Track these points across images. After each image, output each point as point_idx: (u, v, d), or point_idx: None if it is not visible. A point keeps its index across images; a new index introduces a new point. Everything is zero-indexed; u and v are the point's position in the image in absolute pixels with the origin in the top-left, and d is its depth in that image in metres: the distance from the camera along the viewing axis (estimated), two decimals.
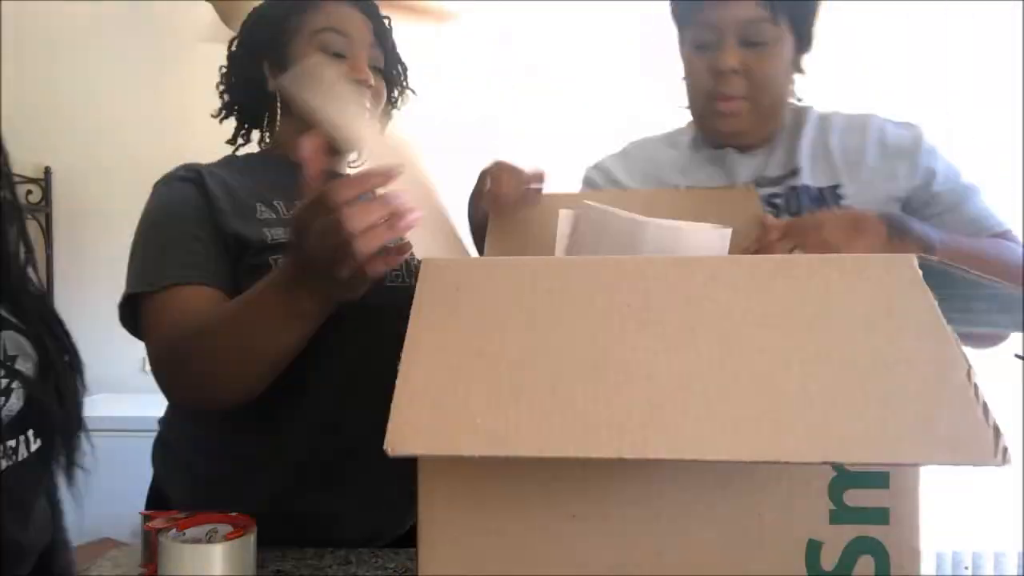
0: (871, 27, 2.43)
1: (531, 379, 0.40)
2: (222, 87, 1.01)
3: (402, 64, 1.03)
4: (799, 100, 1.00)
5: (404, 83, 1.04)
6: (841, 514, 0.44)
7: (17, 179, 3.01)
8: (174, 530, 0.68)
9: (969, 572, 2.18)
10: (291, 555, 0.87)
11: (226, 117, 1.02)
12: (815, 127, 0.98)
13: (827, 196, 0.92)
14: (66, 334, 0.82)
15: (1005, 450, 0.33)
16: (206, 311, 0.81)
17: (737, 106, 0.91)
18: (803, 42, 0.93)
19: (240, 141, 1.03)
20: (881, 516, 0.44)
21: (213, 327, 0.78)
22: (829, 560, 0.44)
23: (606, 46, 2.88)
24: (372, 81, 0.92)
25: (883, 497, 0.44)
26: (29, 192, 2.77)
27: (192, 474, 0.94)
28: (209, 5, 2.14)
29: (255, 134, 1.04)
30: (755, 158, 0.98)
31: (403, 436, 0.38)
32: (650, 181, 1.01)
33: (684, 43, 0.95)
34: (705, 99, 0.92)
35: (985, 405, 0.35)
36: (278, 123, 0.95)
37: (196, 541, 0.66)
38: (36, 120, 2.84)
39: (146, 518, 0.77)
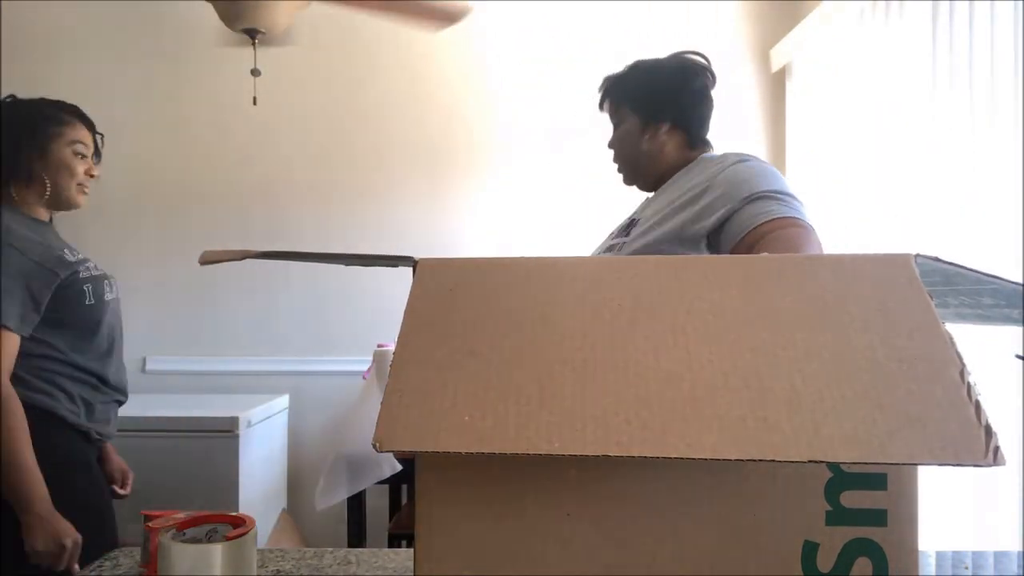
0: (868, 26, 2.43)
1: (520, 377, 0.40)
2: None
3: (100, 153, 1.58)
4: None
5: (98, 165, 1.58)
6: (838, 515, 0.44)
7: None
8: (174, 530, 0.68)
9: (969, 572, 2.18)
10: (291, 555, 0.87)
11: None
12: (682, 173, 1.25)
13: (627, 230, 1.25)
14: None
15: (996, 450, 0.33)
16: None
17: (618, 169, 1.35)
18: (648, 116, 1.27)
19: None
20: (879, 518, 0.44)
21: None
22: (826, 562, 0.44)
23: (616, 42, 2.88)
24: (96, 172, 1.54)
25: (881, 499, 0.44)
26: None
27: None
28: (209, 5, 2.14)
29: None
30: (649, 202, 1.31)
31: (392, 433, 0.38)
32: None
33: None
34: None
35: (978, 404, 0.35)
36: (20, 189, 1.45)
37: (196, 541, 0.66)
38: None
39: (146, 518, 0.77)
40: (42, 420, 1.34)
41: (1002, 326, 0.70)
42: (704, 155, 1.28)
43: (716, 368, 0.39)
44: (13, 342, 1.32)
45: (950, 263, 0.44)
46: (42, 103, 1.50)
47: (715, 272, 0.45)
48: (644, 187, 1.35)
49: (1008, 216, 1.69)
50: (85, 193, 1.53)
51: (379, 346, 2.38)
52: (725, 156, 1.20)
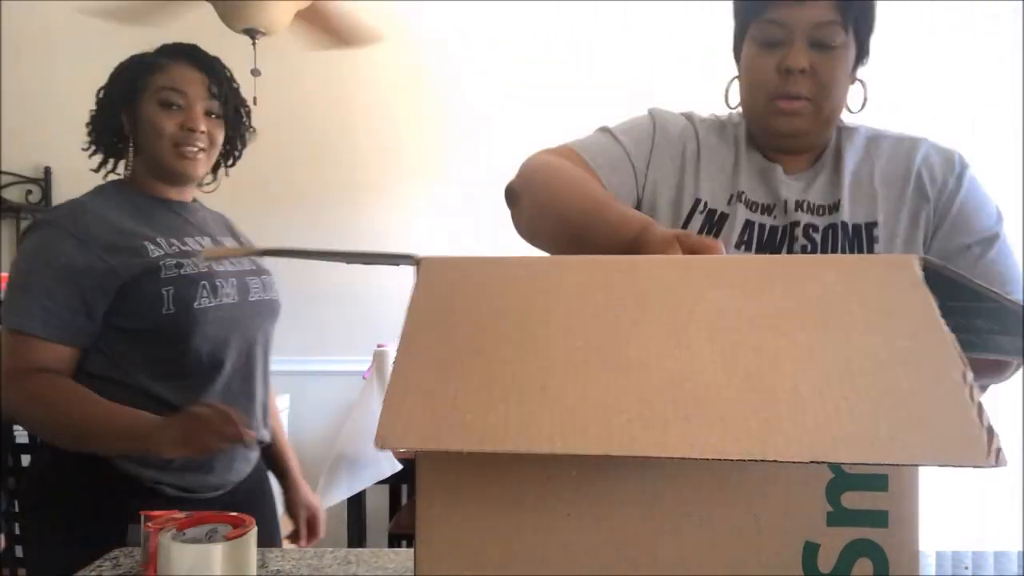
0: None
1: (523, 376, 0.40)
2: (90, 128, 1.26)
3: (243, 108, 1.29)
4: (852, 113, 0.97)
5: (245, 122, 1.31)
6: (839, 516, 0.44)
7: (17, 179, 3.05)
8: (174, 530, 0.68)
9: (969, 572, 2.18)
10: (291, 555, 0.87)
11: (94, 153, 1.27)
12: (860, 152, 0.95)
13: (863, 235, 0.89)
14: None
15: (999, 451, 0.33)
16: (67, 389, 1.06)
17: (801, 106, 0.89)
18: (862, 51, 0.92)
19: (106, 170, 1.28)
20: (880, 519, 0.44)
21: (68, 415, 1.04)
22: (826, 562, 0.44)
23: (602, 41, 2.88)
24: (203, 127, 1.17)
25: (881, 500, 0.44)
26: (29, 192, 2.78)
27: None
28: (209, 5, 2.15)
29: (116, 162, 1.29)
30: (799, 181, 0.94)
31: (393, 431, 0.38)
32: (682, 162, 0.96)
33: (746, 40, 0.93)
34: (766, 98, 0.91)
35: (980, 406, 0.35)
36: (130, 161, 1.23)
37: (196, 541, 0.66)
38: (36, 120, 2.85)
39: (146, 518, 0.77)
40: (85, 468, 1.05)
41: (989, 356, 0.65)
42: (852, 126, 0.99)
43: (719, 368, 0.39)
44: (43, 350, 1.04)
45: (952, 271, 0.44)
46: (151, 53, 1.19)
47: (718, 272, 0.45)
48: (800, 144, 0.94)
49: (1007, 216, 1.69)
50: (186, 157, 1.16)
51: (379, 346, 2.39)
52: (914, 140, 0.96)
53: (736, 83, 0.98)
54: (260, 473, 1.33)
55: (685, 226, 0.91)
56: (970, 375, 0.37)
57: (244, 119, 1.29)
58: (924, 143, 0.96)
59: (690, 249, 0.61)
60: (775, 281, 0.44)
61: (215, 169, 1.33)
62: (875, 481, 0.43)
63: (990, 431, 0.34)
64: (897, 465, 0.42)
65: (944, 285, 0.44)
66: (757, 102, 0.93)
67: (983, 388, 0.78)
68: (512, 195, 0.88)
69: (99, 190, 1.21)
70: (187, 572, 0.64)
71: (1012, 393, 2.05)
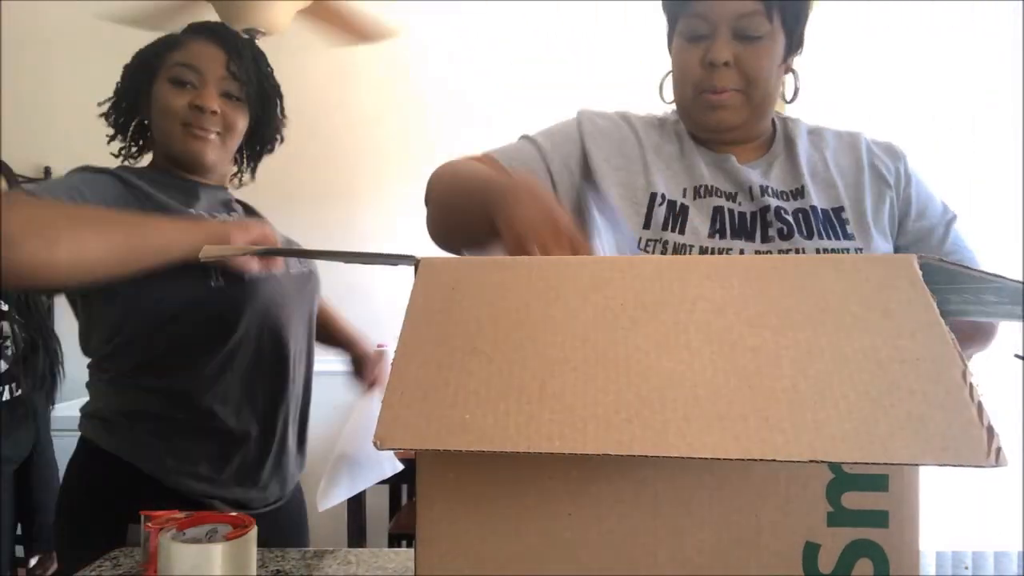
0: (869, 26, 2.43)
1: (521, 376, 0.40)
2: (109, 112, 1.12)
3: (274, 93, 1.17)
4: (787, 104, 0.98)
5: (278, 112, 1.18)
6: (839, 516, 0.44)
7: (17, 179, 3.01)
8: (174, 530, 0.68)
9: (969, 572, 2.18)
10: (291, 555, 0.87)
11: (112, 140, 1.13)
12: (807, 142, 0.97)
13: (833, 219, 0.89)
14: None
15: (999, 451, 0.33)
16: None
17: (728, 98, 0.89)
18: (793, 42, 0.92)
19: (128, 156, 1.14)
20: (880, 519, 0.44)
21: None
22: (827, 562, 0.44)
23: (601, 41, 2.88)
24: (217, 107, 1.04)
25: (882, 500, 0.44)
26: None
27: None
28: (210, 5, 2.14)
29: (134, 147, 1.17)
30: (755, 169, 0.93)
31: (392, 431, 0.38)
32: (632, 162, 0.94)
33: (674, 34, 0.93)
34: (694, 92, 0.91)
35: (980, 405, 0.35)
36: (151, 147, 1.11)
37: (196, 541, 0.66)
38: (36, 120, 2.85)
39: (146, 518, 0.77)
40: (132, 481, 0.96)
41: (1005, 321, 0.70)
42: (792, 117, 1.01)
43: (718, 367, 0.39)
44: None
45: (953, 263, 0.44)
46: (176, 32, 1.10)
47: (717, 272, 0.45)
48: (734, 137, 0.94)
49: (1008, 216, 1.69)
50: (197, 136, 1.02)
51: (379, 346, 2.38)
52: (852, 133, 0.99)
53: (670, 78, 0.97)
54: (300, 495, 1.30)
55: (648, 219, 0.89)
56: (970, 375, 0.37)
57: (275, 106, 1.16)
58: (862, 135, 0.99)
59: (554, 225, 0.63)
60: (774, 281, 0.44)
61: (249, 164, 1.21)
62: (875, 481, 0.43)
63: (990, 431, 0.34)
64: (897, 465, 0.42)
65: (941, 281, 0.44)
66: (686, 97, 0.93)
67: (969, 356, 0.82)
68: (425, 203, 0.91)
69: (120, 167, 1.06)
70: (187, 572, 0.64)
71: (1012, 393, 2.04)
